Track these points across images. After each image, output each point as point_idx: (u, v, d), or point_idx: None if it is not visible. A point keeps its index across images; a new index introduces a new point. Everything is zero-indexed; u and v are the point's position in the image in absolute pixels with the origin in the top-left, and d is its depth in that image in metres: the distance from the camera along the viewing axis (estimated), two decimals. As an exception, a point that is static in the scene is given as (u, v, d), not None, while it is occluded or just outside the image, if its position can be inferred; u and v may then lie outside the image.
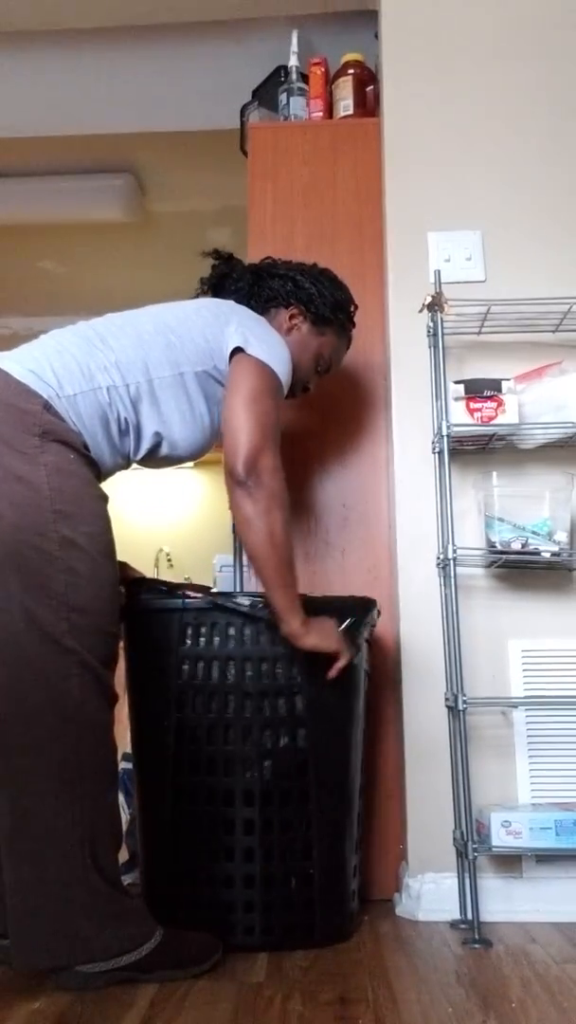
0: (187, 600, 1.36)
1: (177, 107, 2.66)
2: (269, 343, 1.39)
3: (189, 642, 1.36)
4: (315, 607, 1.35)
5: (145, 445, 1.36)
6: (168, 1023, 1.07)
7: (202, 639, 1.36)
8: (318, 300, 1.53)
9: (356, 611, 1.42)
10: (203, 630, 1.36)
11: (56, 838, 1.15)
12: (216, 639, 1.35)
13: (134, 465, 1.42)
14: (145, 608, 1.39)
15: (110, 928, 1.16)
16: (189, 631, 1.36)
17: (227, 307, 1.46)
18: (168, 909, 1.32)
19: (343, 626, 1.36)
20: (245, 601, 1.35)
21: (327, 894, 1.36)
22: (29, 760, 1.16)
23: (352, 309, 1.60)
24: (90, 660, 1.19)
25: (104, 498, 1.30)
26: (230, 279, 1.57)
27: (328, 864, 1.36)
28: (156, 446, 1.37)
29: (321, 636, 1.31)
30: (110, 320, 1.39)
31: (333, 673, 1.33)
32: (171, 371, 1.35)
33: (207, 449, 1.44)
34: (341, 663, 1.33)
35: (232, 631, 1.35)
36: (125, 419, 1.33)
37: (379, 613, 1.51)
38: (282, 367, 1.39)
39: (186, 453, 1.42)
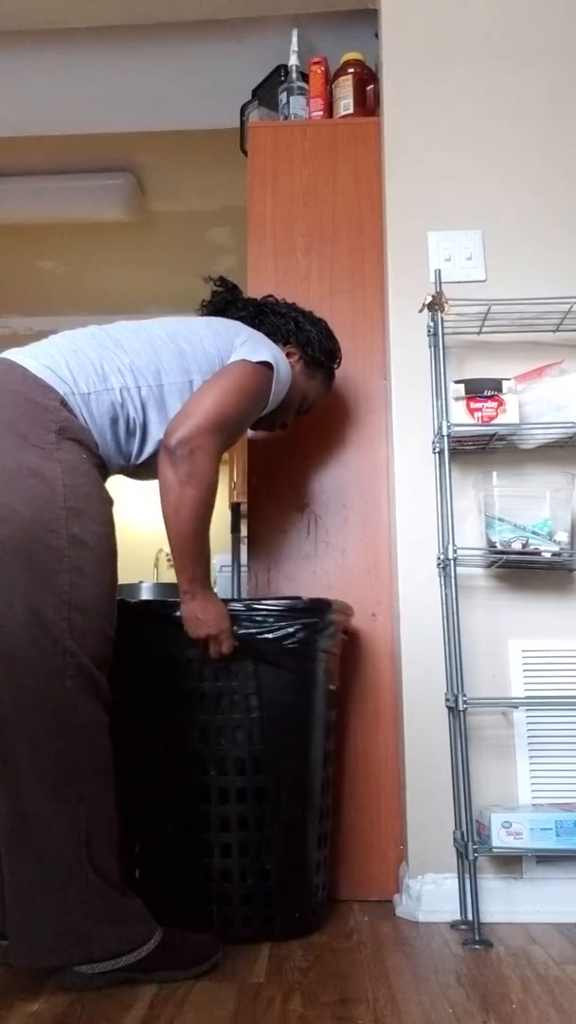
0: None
1: (177, 106, 2.65)
2: (274, 358, 1.43)
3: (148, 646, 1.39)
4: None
5: (149, 449, 1.36)
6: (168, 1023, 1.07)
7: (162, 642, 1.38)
8: (316, 344, 1.59)
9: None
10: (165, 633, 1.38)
11: (54, 838, 1.15)
12: (177, 642, 1.37)
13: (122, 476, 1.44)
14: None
15: (109, 927, 1.16)
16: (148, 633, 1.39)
17: (237, 324, 1.49)
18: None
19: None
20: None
21: (286, 890, 1.37)
22: (25, 760, 1.16)
23: (339, 361, 1.68)
24: (86, 662, 1.19)
25: (110, 501, 1.31)
26: (233, 307, 1.60)
27: (286, 860, 1.37)
28: (159, 451, 1.38)
29: (203, 612, 1.33)
30: (123, 325, 1.41)
31: (213, 655, 1.35)
32: (181, 377, 1.37)
33: None
34: (213, 650, 1.34)
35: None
36: (133, 419, 1.34)
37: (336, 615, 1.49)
38: (281, 378, 1.44)
39: None
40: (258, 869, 1.35)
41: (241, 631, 1.36)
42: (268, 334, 1.55)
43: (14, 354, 1.30)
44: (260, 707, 1.37)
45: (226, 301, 1.61)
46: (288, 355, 1.56)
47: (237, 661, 1.36)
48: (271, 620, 1.37)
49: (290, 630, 1.38)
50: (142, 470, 1.41)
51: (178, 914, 1.31)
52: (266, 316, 1.59)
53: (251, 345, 1.42)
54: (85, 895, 1.15)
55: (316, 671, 1.43)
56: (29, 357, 1.29)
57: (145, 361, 1.35)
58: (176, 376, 1.37)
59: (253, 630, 1.37)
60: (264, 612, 1.38)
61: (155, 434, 1.36)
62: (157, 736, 1.39)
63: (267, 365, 1.41)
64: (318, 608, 1.43)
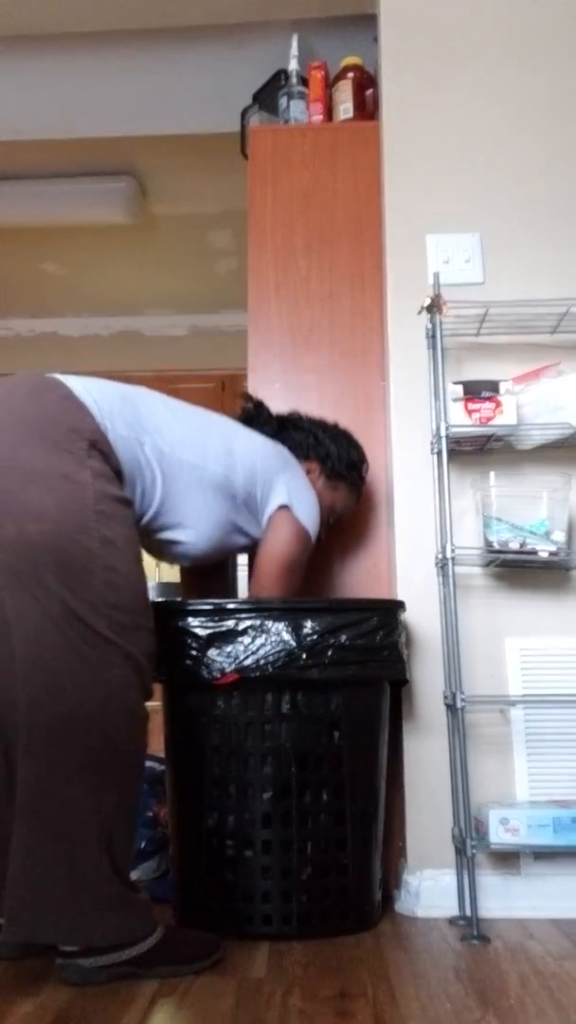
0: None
1: (178, 111, 2.67)
2: (309, 505, 1.52)
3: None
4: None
5: (148, 515, 1.38)
6: (169, 1017, 1.08)
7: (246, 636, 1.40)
8: (335, 457, 1.63)
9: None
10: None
11: (77, 820, 1.15)
12: (258, 640, 1.39)
13: None
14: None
15: (113, 915, 1.16)
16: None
17: (284, 457, 1.54)
18: (204, 902, 1.38)
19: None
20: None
21: (359, 883, 1.41)
22: (62, 739, 1.16)
23: (364, 468, 1.70)
24: (134, 652, 1.21)
25: (132, 505, 1.33)
26: (257, 421, 1.64)
27: (360, 854, 1.41)
28: (167, 528, 1.41)
29: None
30: (185, 405, 1.48)
31: None
32: (221, 474, 1.42)
33: (206, 553, 1.48)
34: None
35: (272, 632, 1.38)
36: (150, 483, 1.36)
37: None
38: (315, 527, 1.53)
39: (190, 548, 1.46)
40: (336, 864, 1.38)
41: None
42: (290, 448, 1.60)
43: (63, 375, 1.35)
44: (341, 703, 1.40)
45: (250, 415, 1.66)
46: (309, 471, 1.61)
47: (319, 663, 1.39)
48: (360, 615, 1.43)
49: (381, 632, 1.43)
50: (151, 538, 1.43)
51: (247, 910, 1.36)
52: (287, 431, 1.64)
53: (290, 492, 1.49)
54: (96, 881, 1.16)
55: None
56: (76, 380, 1.34)
57: (195, 439, 1.41)
58: (219, 468, 1.42)
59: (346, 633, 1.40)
60: (355, 609, 1.44)
61: (155, 505, 1.38)
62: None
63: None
64: (396, 607, 1.50)
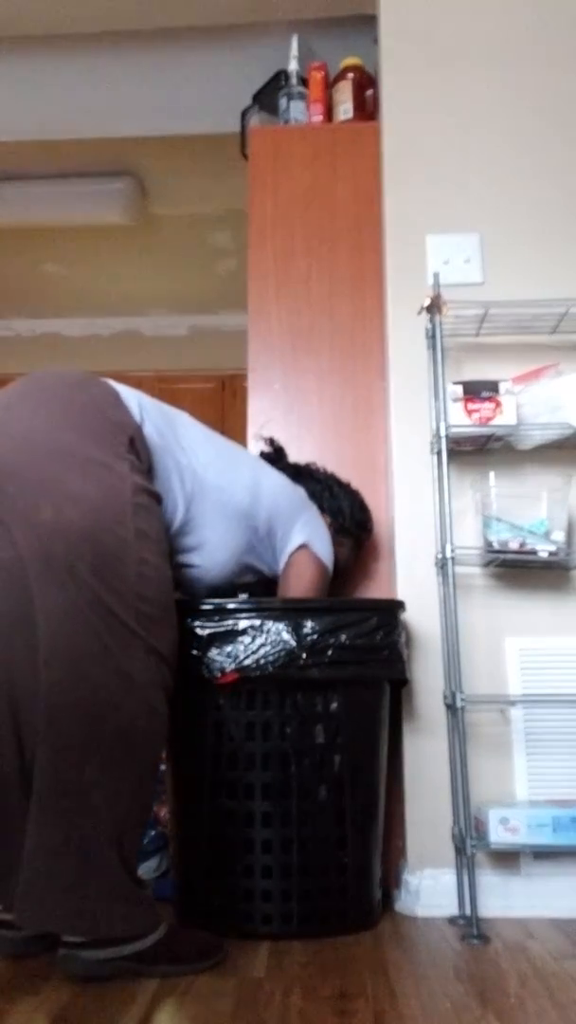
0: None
1: (178, 111, 2.68)
2: (327, 543, 1.55)
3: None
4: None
5: (176, 543, 1.40)
6: (170, 1017, 1.08)
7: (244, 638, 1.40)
8: (347, 514, 1.66)
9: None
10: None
11: (89, 809, 1.15)
12: (258, 639, 1.39)
13: None
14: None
15: (118, 908, 1.16)
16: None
17: (305, 499, 1.58)
18: (204, 901, 1.39)
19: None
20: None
21: (358, 882, 1.41)
22: (79, 727, 1.16)
23: (370, 530, 1.74)
24: (157, 647, 1.22)
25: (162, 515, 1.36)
26: (275, 464, 1.66)
27: (360, 854, 1.42)
28: (183, 551, 1.42)
29: None
30: (218, 435, 1.50)
31: None
32: (247, 504, 1.44)
33: (215, 582, 1.49)
34: None
35: (272, 632, 1.39)
36: (177, 498, 1.38)
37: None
38: (332, 564, 1.57)
39: (203, 574, 1.46)
40: (336, 863, 1.39)
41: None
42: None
43: (110, 381, 1.38)
44: (341, 703, 1.41)
45: (271, 459, 1.68)
46: None
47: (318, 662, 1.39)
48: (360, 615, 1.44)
49: (380, 632, 1.44)
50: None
51: (247, 909, 1.36)
52: (303, 480, 1.65)
53: (309, 532, 1.52)
54: (104, 872, 1.16)
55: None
56: (123, 386, 1.37)
57: (225, 466, 1.43)
58: (244, 499, 1.44)
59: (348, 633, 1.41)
60: (355, 608, 1.44)
61: (176, 524, 1.39)
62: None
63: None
64: (395, 606, 1.51)
